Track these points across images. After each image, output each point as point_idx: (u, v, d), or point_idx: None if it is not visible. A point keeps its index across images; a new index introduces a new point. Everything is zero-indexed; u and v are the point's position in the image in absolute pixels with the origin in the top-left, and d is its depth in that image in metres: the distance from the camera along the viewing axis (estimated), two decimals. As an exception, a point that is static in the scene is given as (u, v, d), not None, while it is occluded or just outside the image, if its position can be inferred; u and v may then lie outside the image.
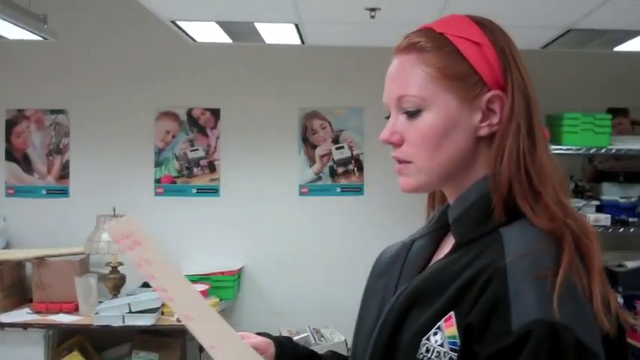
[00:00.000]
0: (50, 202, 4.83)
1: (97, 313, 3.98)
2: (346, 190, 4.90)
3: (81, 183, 4.82)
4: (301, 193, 4.88)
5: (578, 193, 4.31)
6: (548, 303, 0.93)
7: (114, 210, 4.28)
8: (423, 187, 1.16)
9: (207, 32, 3.63)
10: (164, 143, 4.85)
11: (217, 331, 1.11)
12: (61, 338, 4.32)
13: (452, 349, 0.99)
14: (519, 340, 0.92)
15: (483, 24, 1.12)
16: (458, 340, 0.98)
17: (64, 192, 4.84)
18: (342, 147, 4.89)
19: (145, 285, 4.54)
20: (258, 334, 1.35)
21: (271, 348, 1.33)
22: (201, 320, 1.12)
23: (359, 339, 1.21)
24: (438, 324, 1.01)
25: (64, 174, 4.84)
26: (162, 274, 1.12)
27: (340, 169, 4.90)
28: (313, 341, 4.08)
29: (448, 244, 1.16)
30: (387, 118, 1.16)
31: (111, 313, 3.97)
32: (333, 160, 4.89)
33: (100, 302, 4.14)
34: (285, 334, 4.27)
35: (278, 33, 3.66)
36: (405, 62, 1.12)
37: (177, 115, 4.85)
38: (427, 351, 1.01)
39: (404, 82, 1.11)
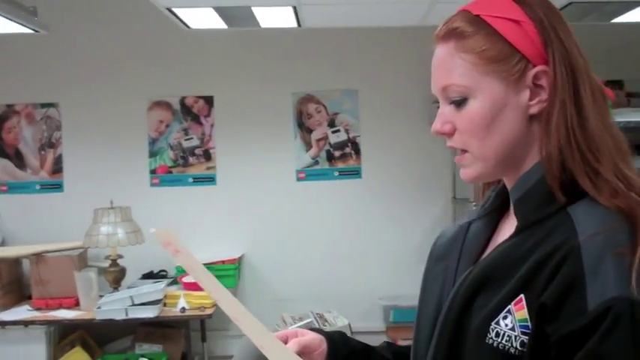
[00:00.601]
0: (44, 198, 4.82)
1: (99, 308, 3.98)
2: (344, 174, 4.91)
3: (75, 177, 4.82)
4: (298, 179, 4.90)
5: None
6: (627, 280, 0.92)
7: (111, 202, 4.28)
8: (485, 176, 1.14)
9: (202, 18, 3.61)
10: (158, 133, 4.85)
11: (261, 333, 1.15)
12: (62, 334, 4.33)
13: (523, 333, 0.99)
14: (597, 318, 0.91)
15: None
16: (529, 324, 0.98)
17: (58, 186, 4.83)
18: (338, 130, 4.90)
19: (145, 277, 4.55)
20: (311, 329, 1.35)
21: (323, 344, 1.32)
22: (246, 323, 1.15)
23: (421, 324, 1.21)
24: (508, 307, 1.01)
25: (57, 168, 4.83)
26: (203, 280, 1.16)
27: (337, 153, 4.91)
28: (317, 326, 4.09)
29: (508, 226, 1.16)
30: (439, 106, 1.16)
31: (113, 307, 3.98)
32: (329, 143, 4.90)
33: (101, 296, 4.14)
34: (288, 320, 4.30)
35: (275, 16, 3.64)
36: (446, 50, 1.11)
37: (170, 104, 4.84)
38: (497, 335, 1.01)
39: (447, 72, 1.10)
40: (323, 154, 4.90)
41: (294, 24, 3.80)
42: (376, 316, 4.70)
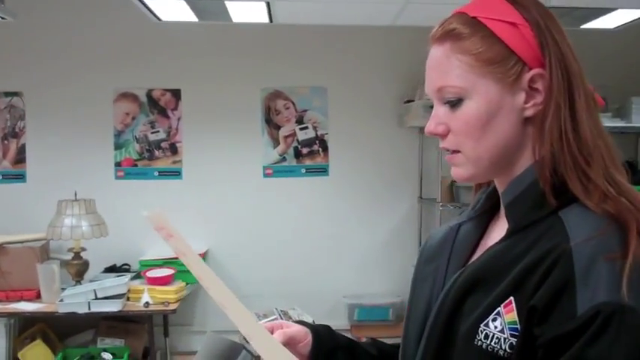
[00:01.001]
0: (6, 188, 4.78)
1: (61, 301, 3.98)
2: (311, 171, 4.96)
3: (38, 167, 4.80)
4: (265, 175, 4.93)
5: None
6: (618, 286, 0.93)
7: (75, 194, 4.27)
8: (476, 177, 1.15)
9: (173, 11, 3.62)
10: (124, 125, 4.84)
11: (248, 322, 1.17)
12: (23, 327, 4.32)
13: (512, 335, 1.00)
14: (586, 323, 0.93)
15: (516, 1, 1.11)
16: (518, 326, 0.99)
17: (20, 177, 4.80)
18: (306, 127, 4.94)
19: (108, 270, 4.54)
20: (296, 322, 1.36)
21: (308, 336, 1.33)
22: (234, 311, 1.17)
23: (410, 325, 1.23)
24: (498, 309, 1.02)
25: (20, 158, 4.81)
26: (195, 265, 1.17)
27: (305, 150, 4.95)
28: (282, 323, 4.12)
29: (498, 229, 1.18)
30: (431, 107, 1.17)
31: (76, 300, 3.97)
32: (297, 140, 4.94)
33: (63, 289, 4.12)
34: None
35: (247, 11, 3.66)
36: (442, 52, 1.12)
37: (137, 96, 4.84)
38: (486, 337, 1.03)
39: (442, 73, 1.11)
40: (291, 150, 4.93)
41: (266, 19, 3.83)
42: (340, 314, 4.75)
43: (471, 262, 1.15)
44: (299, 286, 4.79)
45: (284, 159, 4.94)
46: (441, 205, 4.43)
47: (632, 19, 3.80)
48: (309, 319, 4.33)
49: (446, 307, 1.11)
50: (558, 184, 1.06)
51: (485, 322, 1.03)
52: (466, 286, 1.09)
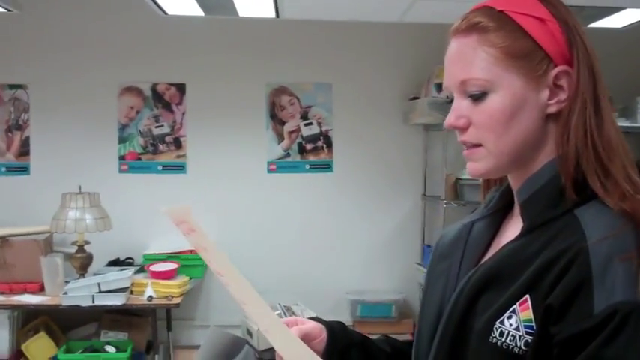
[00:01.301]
0: (10, 180, 4.81)
1: (65, 293, 4.00)
2: (315, 167, 4.98)
3: (42, 160, 4.82)
4: (269, 170, 4.95)
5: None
6: (634, 285, 0.95)
7: (80, 188, 4.30)
8: (494, 172, 1.15)
9: (179, 4, 3.64)
10: (128, 119, 4.87)
11: (267, 317, 1.17)
12: (26, 319, 4.35)
13: (527, 333, 1.01)
14: (603, 322, 0.94)
15: None
16: (534, 324, 1.01)
17: (24, 169, 4.82)
18: (310, 123, 4.97)
19: (112, 264, 4.58)
20: (311, 318, 1.37)
21: (323, 333, 1.34)
22: (253, 307, 1.17)
23: (424, 322, 1.24)
24: (513, 307, 1.03)
25: (24, 151, 4.83)
26: (216, 260, 1.17)
27: (309, 146, 4.97)
28: (285, 318, 4.15)
29: (512, 227, 1.19)
30: (450, 102, 1.16)
31: (80, 293, 4.00)
32: (301, 136, 4.97)
33: (67, 282, 4.16)
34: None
35: (254, 6, 3.68)
36: (466, 44, 1.11)
37: (142, 90, 4.86)
38: (501, 335, 1.04)
39: (467, 65, 1.10)
40: (295, 146, 4.96)
41: (273, 14, 3.85)
42: (343, 310, 4.77)
43: (484, 260, 1.17)
44: (302, 282, 4.82)
45: (288, 155, 4.96)
46: (445, 203, 4.45)
47: (640, 18, 3.84)
48: (311, 315, 4.37)
49: (460, 305, 1.12)
50: (578, 181, 1.07)
51: (501, 319, 1.04)
52: (480, 284, 1.10)
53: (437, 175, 4.79)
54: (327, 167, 4.99)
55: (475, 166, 1.14)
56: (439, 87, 4.48)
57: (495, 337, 1.04)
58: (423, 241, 4.99)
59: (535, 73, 1.08)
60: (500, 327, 1.04)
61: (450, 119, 1.14)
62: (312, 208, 4.95)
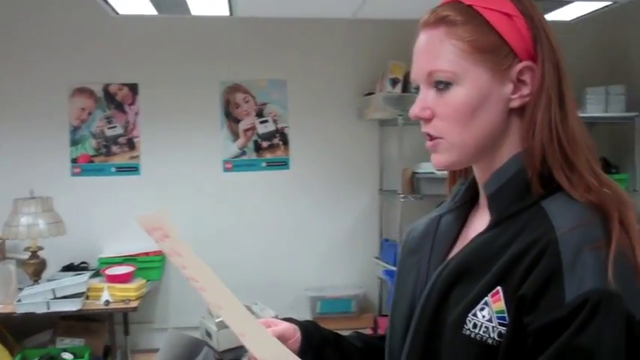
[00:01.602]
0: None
1: (19, 301, 3.94)
2: (271, 165, 4.97)
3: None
4: (225, 169, 4.93)
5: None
6: (604, 274, 0.97)
7: (31, 192, 4.23)
8: (457, 163, 1.17)
9: (131, 3, 3.59)
10: (80, 121, 4.80)
11: (244, 321, 1.17)
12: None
13: (500, 324, 1.03)
14: (574, 310, 0.96)
15: None
16: (506, 315, 1.02)
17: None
18: (266, 121, 4.95)
19: (66, 269, 4.51)
20: (284, 319, 1.39)
21: (297, 333, 1.36)
22: (229, 310, 1.18)
23: (396, 317, 1.25)
24: (485, 299, 1.05)
25: (-27, 156, 4.72)
26: (192, 265, 1.17)
27: (265, 143, 4.96)
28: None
29: (479, 219, 1.21)
30: (417, 91, 1.17)
31: (34, 300, 3.94)
32: (257, 134, 4.95)
33: (20, 289, 4.09)
34: (213, 313, 4.31)
35: (207, 4, 3.65)
36: (434, 37, 1.13)
37: (93, 91, 4.80)
38: (474, 326, 1.05)
39: (434, 57, 1.12)
40: (251, 144, 4.94)
41: (227, 12, 3.82)
42: (303, 307, 4.78)
43: (454, 253, 1.18)
44: (261, 281, 4.81)
45: (244, 153, 4.95)
46: (402, 197, 4.47)
47: (589, 11, 3.89)
48: (271, 314, 4.35)
49: (432, 298, 1.13)
50: (544, 175, 1.09)
51: (473, 311, 1.06)
52: (451, 277, 1.12)
53: (393, 169, 4.82)
54: (283, 164, 4.98)
55: (439, 158, 1.16)
56: (393, 82, 4.51)
57: (469, 329, 1.06)
58: (381, 235, 5.01)
59: (500, 67, 1.10)
60: (473, 319, 1.06)
61: (414, 110, 1.15)
62: (269, 205, 4.94)
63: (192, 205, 4.85)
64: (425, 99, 1.14)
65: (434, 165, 1.18)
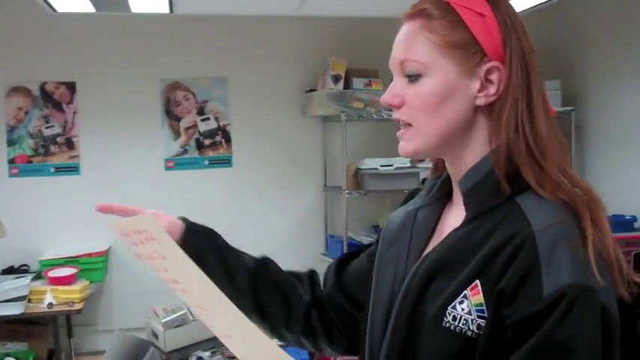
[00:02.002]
0: None
1: (-42, 305, 3.88)
2: (214, 163, 4.99)
3: None
4: (167, 168, 4.93)
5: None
6: (581, 268, 1.02)
7: (-32, 195, 4.16)
8: (421, 152, 1.21)
9: (69, 1, 3.57)
10: (16, 121, 4.74)
11: (232, 320, 1.15)
12: None
13: (479, 317, 1.07)
14: (552, 304, 1.00)
15: None
16: (485, 308, 1.06)
17: None
18: (207, 118, 4.97)
19: (5, 272, 4.46)
20: (180, 218, 1.50)
21: (179, 224, 1.47)
22: (216, 310, 1.17)
23: (376, 310, 1.27)
24: (464, 292, 1.09)
25: None
26: (176, 267, 1.18)
27: (207, 141, 4.98)
28: (192, 318, 4.14)
29: (453, 214, 1.25)
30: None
31: (-26, 304, 3.88)
32: (199, 132, 4.96)
33: (-42, 294, 4.02)
34: (160, 312, 4.31)
35: (146, 1, 3.65)
36: (411, 28, 1.19)
37: (30, 90, 4.74)
38: (454, 319, 1.09)
39: (407, 48, 1.18)
40: (192, 142, 4.96)
41: (167, 10, 3.83)
42: (248, 305, 4.79)
43: (430, 247, 1.23)
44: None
45: (186, 151, 4.95)
46: (347, 193, 4.54)
47: (525, 8, 3.99)
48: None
49: (411, 292, 1.17)
50: (512, 173, 1.13)
51: (453, 304, 1.10)
52: (430, 271, 1.16)
53: (337, 165, 4.88)
54: (226, 162, 5.00)
55: (405, 146, 1.21)
56: (335, 79, 4.56)
57: (448, 321, 1.10)
58: (326, 231, 5.08)
59: (469, 64, 1.15)
60: (452, 312, 1.10)
61: (386, 96, 1.21)
62: (212, 203, 4.94)
63: (133, 204, 4.79)
64: (396, 87, 1.20)
65: (400, 152, 1.23)
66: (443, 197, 1.30)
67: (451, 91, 1.15)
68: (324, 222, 5.08)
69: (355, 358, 1.40)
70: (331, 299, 1.47)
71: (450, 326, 1.09)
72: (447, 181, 1.28)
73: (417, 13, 1.18)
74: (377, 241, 1.40)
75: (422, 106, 1.16)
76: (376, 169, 4.55)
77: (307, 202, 5.08)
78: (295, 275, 1.53)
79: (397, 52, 1.20)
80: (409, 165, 4.55)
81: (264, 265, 1.53)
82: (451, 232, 1.18)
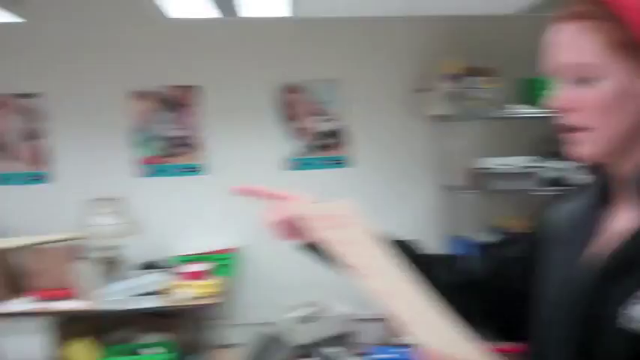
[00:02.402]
0: (29, 189, 4.96)
1: (99, 298, 4.09)
2: (331, 163, 5.14)
3: (64, 167, 4.97)
4: (286, 168, 5.10)
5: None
6: None
7: (105, 194, 4.43)
8: (598, 156, 1.17)
9: (189, 7, 3.79)
10: (143, 123, 4.99)
11: (420, 308, 1.14)
12: (61, 326, 4.40)
13: None
14: None
15: None
16: None
17: (42, 178, 4.97)
18: (324, 119, 5.12)
19: (144, 267, 4.66)
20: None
21: None
22: (403, 298, 1.17)
23: (546, 308, 1.26)
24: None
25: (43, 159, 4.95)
26: (365, 253, 1.21)
27: (324, 142, 5.14)
28: (319, 315, 4.25)
29: (621, 214, 1.20)
30: (554, 86, 1.19)
31: (115, 297, 4.09)
32: (316, 133, 5.13)
33: (99, 287, 4.23)
34: (290, 307, 4.43)
35: (266, 6, 3.84)
36: (575, 29, 1.14)
37: (156, 94, 5.00)
38: (633, 321, 1.06)
39: (576, 50, 1.13)
40: (309, 143, 5.14)
41: (288, 13, 3.99)
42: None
43: (601, 246, 1.19)
44: (334, 277, 4.88)
45: (303, 152, 5.12)
46: (467, 192, 4.60)
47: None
48: (346, 310, 4.46)
49: (589, 292, 1.14)
50: None
51: (632, 305, 1.07)
52: (607, 271, 1.13)
53: (452, 165, 4.91)
54: (342, 162, 5.16)
55: (581, 150, 1.18)
56: (450, 78, 4.61)
57: (627, 323, 1.07)
58: (445, 231, 5.09)
59: None
60: (629, 312, 1.07)
61: (558, 102, 1.17)
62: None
63: (254, 202, 4.95)
64: (567, 91, 1.16)
65: (574, 157, 1.19)
66: (603, 198, 1.26)
67: (627, 92, 1.11)
68: (442, 222, 5.11)
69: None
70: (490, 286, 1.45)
71: (628, 328, 1.06)
72: (608, 180, 1.24)
73: (579, 14, 1.13)
74: (529, 237, 1.40)
75: (601, 110, 1.12)
76: (494, 168, 4.58)
77: (424, 202, 5.16)
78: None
79: (563, 55, 1.15)
80: (528, 165, 4.59)
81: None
82: (627, 231, 1.14)
